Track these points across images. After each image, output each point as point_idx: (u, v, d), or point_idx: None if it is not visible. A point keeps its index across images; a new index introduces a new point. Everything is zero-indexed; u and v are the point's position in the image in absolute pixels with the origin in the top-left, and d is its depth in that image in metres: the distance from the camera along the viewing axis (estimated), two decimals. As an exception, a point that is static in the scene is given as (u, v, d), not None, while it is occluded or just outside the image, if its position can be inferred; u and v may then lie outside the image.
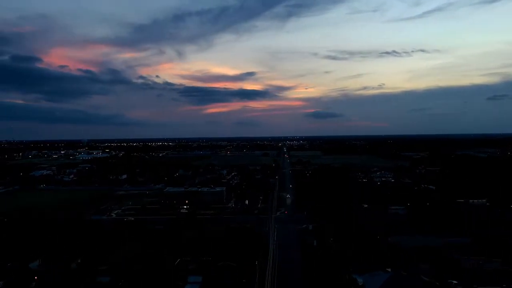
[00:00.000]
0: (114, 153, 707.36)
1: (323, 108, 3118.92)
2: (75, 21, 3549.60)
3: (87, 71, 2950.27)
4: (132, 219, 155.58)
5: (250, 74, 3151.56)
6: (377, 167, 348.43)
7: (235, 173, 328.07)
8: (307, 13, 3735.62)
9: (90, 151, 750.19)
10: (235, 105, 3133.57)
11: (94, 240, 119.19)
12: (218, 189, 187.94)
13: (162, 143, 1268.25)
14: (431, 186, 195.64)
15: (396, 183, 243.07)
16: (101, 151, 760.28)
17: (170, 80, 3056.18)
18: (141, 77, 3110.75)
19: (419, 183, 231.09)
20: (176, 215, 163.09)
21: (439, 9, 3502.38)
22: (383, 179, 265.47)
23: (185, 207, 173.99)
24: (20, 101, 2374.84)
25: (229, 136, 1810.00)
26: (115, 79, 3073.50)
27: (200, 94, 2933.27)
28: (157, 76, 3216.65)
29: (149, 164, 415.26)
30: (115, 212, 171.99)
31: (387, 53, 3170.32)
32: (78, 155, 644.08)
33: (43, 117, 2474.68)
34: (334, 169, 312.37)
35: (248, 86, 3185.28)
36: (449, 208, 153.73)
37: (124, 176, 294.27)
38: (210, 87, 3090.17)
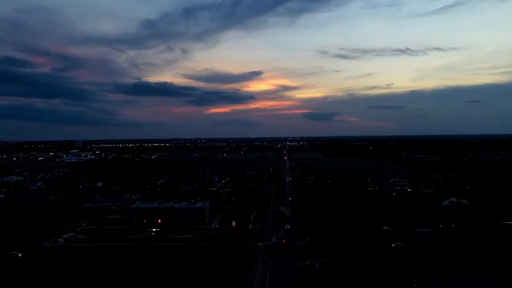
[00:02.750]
0: (104, 155, 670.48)
1: (326, 108, 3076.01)
2: (77, 15, 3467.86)
3: (87, 69, 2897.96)
4: (84, 246, 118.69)
5: (256, 74, 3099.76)
6: (387, 172, 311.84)
7: (228, 179, 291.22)
8: (321, 8, 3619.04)
9: (81, 153, 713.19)
10: (238, 106, 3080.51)
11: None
12: (199, 204, 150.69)
13: (159, 144, 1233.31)
14: (463, 200, 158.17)
15: (415, 194, 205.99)
16: (92, 152, 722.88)
17: (174, 79, 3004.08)
18: (145, 76, 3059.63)
19: (442, 194, 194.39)
20: (142, 241, 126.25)
21: (458, 4, 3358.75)
22: (397, 188, 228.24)
23: (154, 229, 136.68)
24: (20, 101, 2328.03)
25: (231, 137, 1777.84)
26: (117, 78, 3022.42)
27: (204, 95, 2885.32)
28: (161, 75, 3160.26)
29: (135, 168, 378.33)
30: (65, 235, 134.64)
31: (401, 50, 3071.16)
32: (65, 157, 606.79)
33: (43, 117, 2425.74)
34: (339, 176, 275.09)
35: (254, 85, 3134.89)
36: (501, 234, 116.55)
37: (100, 184, 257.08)
38: (215, 88, 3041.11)
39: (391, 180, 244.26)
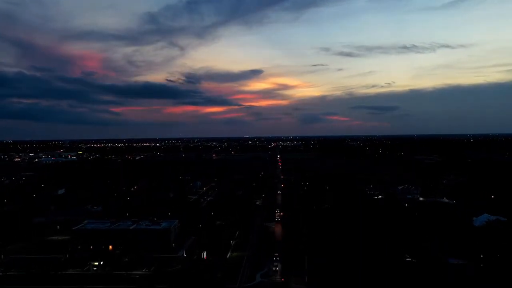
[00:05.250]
0: (86, 155, 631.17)
1: (324, 108, 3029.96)
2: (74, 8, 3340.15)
3: (84, 66, 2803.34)
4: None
5: (255, 72, 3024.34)
6: (390, 176, 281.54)
7: (213, 184, 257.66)
8: (327, 2, 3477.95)
9: (62, 153, 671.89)
10: (234, 106, 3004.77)
11: None
12: (164, 224, 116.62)
13: (149, 143, 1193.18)
14: (500, 218, 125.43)
15: (431, 206, 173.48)
16: (74, 153, 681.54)
17: (171, 77, 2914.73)
18: (141, 73, 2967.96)
19: (466, 206, 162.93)
20: (80, 281, 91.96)
21: None
22: (408, 196, 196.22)
23: (97, 263, 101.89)
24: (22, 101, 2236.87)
25: (226, 136, 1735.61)
26: (114, 75, 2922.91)
27: (202, 94, 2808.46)
28: (158, 73, 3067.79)
29: (114, 170, 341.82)
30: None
31: (406, 48, 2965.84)
32: (43, 158, 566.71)
33: (38, 116, 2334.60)
34: (338, 181, 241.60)
35: (253, 84, 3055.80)
36: None
37: (62, 191, 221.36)
38: (213, 87, 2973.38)
39: (400, 187, 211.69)
